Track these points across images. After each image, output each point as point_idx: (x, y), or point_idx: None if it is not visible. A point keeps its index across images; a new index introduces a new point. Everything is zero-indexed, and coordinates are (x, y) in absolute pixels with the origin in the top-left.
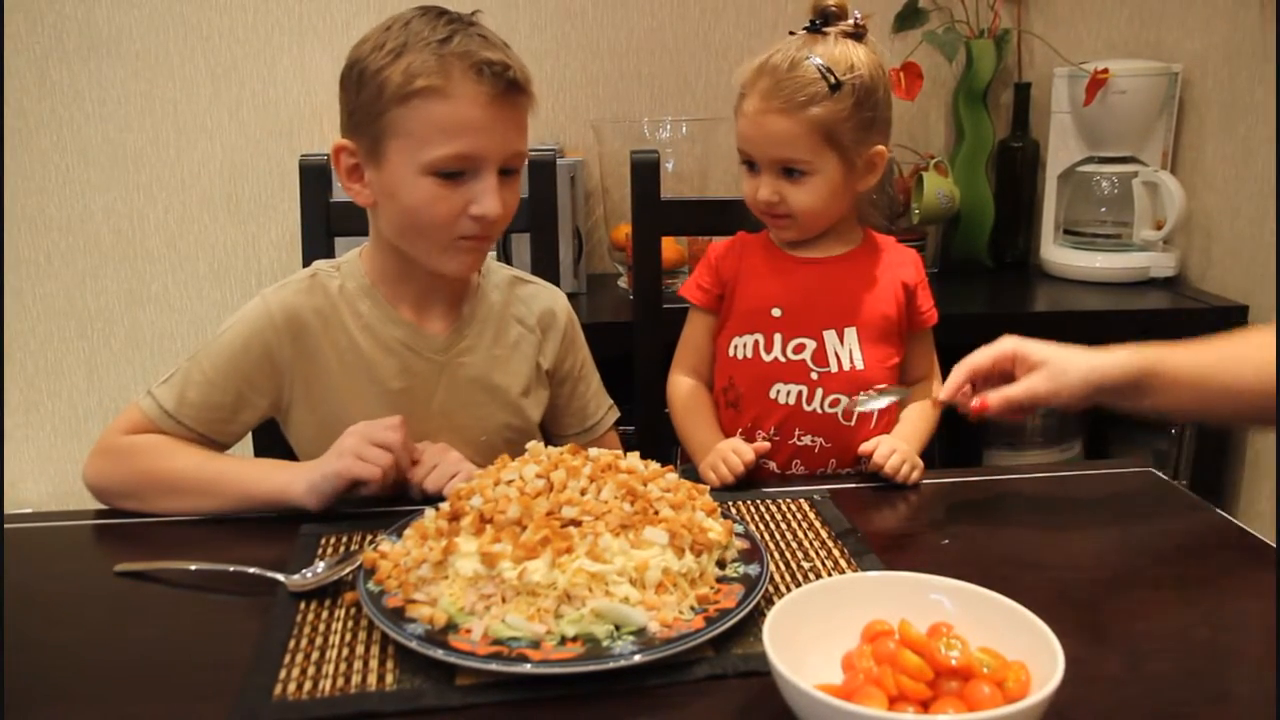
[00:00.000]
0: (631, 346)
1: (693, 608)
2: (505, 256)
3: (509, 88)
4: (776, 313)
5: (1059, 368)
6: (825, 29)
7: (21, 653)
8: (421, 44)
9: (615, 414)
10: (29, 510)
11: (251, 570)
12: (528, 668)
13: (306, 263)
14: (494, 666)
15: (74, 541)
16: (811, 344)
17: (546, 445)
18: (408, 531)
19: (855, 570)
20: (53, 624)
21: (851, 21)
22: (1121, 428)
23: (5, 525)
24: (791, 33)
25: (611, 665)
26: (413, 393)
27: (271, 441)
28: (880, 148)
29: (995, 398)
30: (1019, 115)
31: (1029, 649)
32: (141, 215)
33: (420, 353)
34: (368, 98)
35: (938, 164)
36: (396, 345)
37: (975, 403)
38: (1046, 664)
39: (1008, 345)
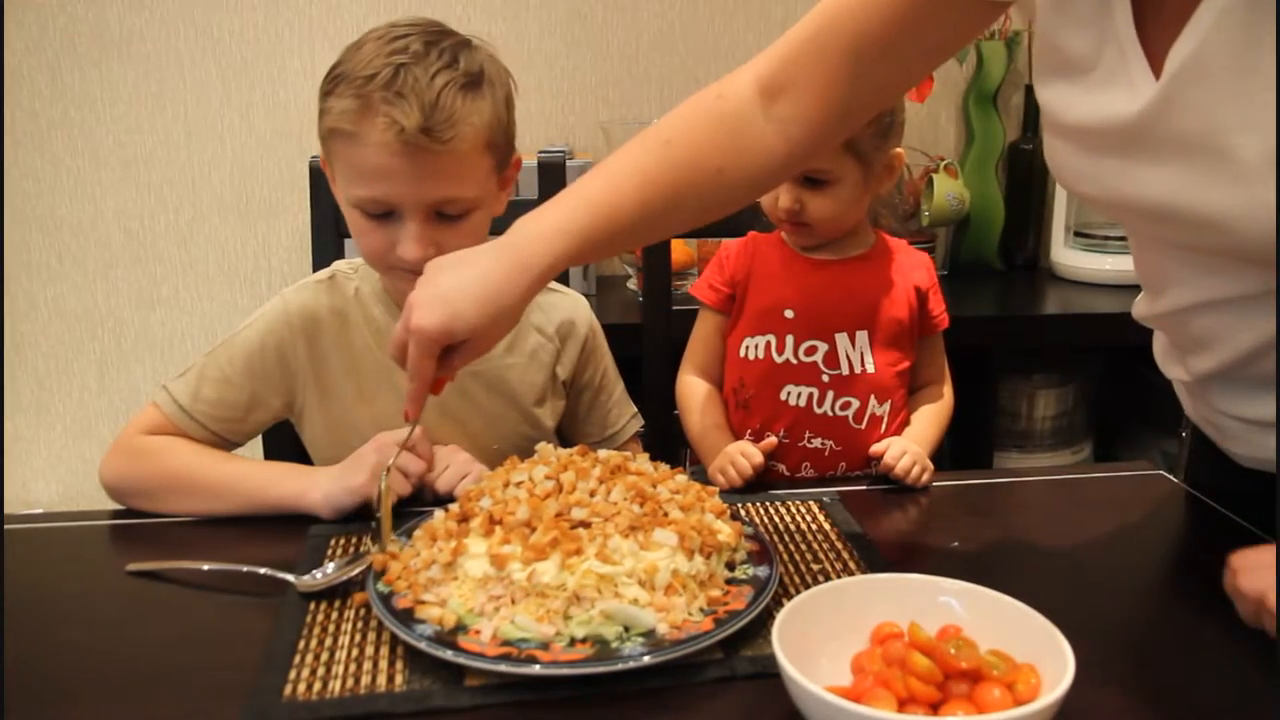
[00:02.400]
0: (640, 348)
1: (702, 609)
2: None
3: (419, 140)
4: (789, 314)
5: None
6: None
7: (33, 652)
8: (351, 77)
9: (638, 423)
10: (40, 510)
11: (262, 571)
12: (537, 669)
13: (317, 264)
14: (503, 668)
15: (86, 541)
16: (823, 346)
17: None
18: (417, 533)
19: (864, 572)
20: (64, 623)
21: None
22: (1130, 431)
23: (17, 526)
24: None
25: (620, 667)
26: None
27: (282, 442)
28: (897, 151)
29: None
30: (1029, 117)
31: (1039, 652)
32: (152, 217)
33: None
34: (320, 120)
35: (948, 166)
36: None
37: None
38: (1057, 667)
39: None
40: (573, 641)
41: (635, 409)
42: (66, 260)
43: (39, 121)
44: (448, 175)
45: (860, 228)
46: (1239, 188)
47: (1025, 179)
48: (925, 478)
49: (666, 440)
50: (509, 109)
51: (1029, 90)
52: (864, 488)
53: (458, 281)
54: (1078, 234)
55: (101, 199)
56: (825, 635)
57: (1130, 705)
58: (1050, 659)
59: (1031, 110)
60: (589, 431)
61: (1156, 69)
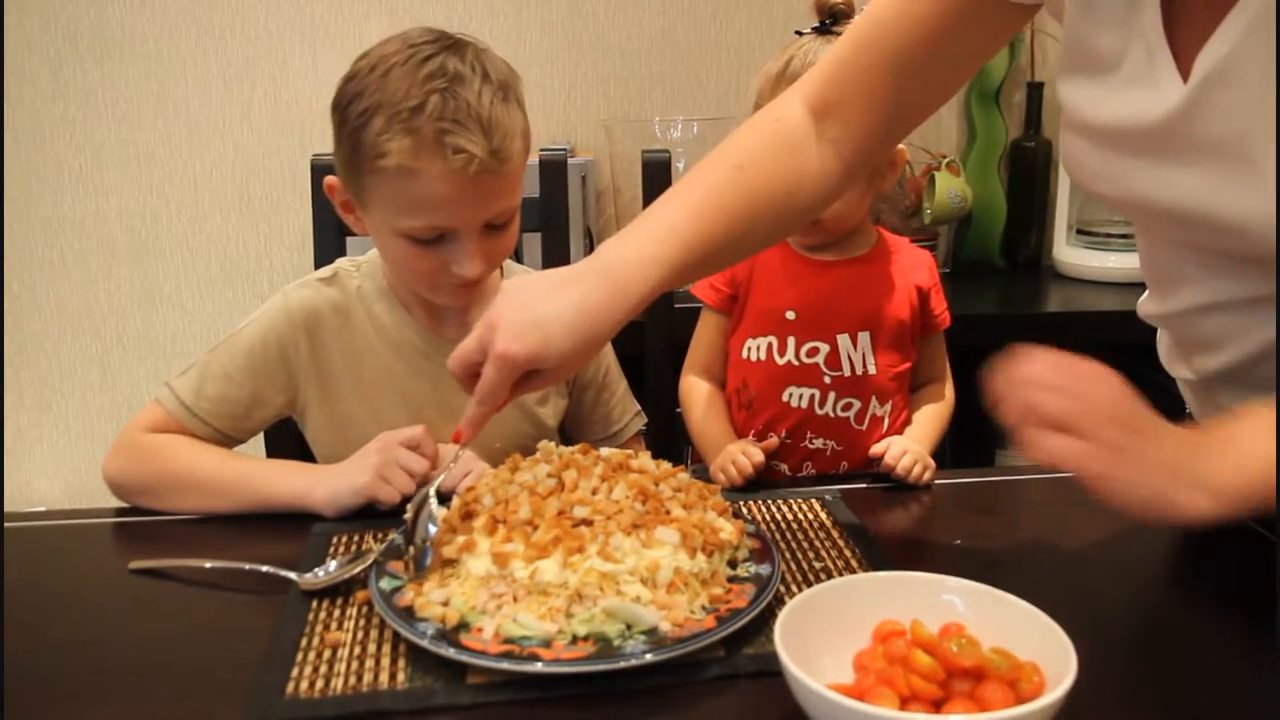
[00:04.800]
0: (643, 347)
1: (704, 607)
2: (516, 256)
3: (490, 165)
4: (791, 315)
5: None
6: (835, 29)
7: (34, 650)
8: (393, 110)
9: (641, 420)
10: (43, 509)
11: (264, 569)
12: (539, 667)
13: (319, 262)
14: (505, 665)
15: (88, 539)
16: (825, 348)
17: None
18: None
19: (867, 570)
20: (66, 621)
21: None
22: None
23: (20, 524)
24: (800, 33)
25: (623, 665)
26: (426, 397)
27: (285, 439)
28: (900, 146)
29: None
30: (1031, 115)
31: (1042, 650)
32: (154, 215)
33: (433, 358)
34: (347, 152)
35: (950, 164)
36: (409, 350)
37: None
38: (1060, 665)
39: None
40: (575, 639)
41: (638, 407)
42: (69, 259)
43: (40, 120)
44: (505, 191)
45: (862, 227)
46: (1262, 194)
47: (1027, 176)
48: (927, 476)
49: (669, 439)
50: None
51: (1031, 88)
52: (866, 486)
53: (552, 308)
54: (1080, 232)
55: (103, 198)
56: (827, 633)
57: (1133, 704)
58: (1053, 657)
59: (1033, 108)
60: (592, 430)
61: (1184, 71)
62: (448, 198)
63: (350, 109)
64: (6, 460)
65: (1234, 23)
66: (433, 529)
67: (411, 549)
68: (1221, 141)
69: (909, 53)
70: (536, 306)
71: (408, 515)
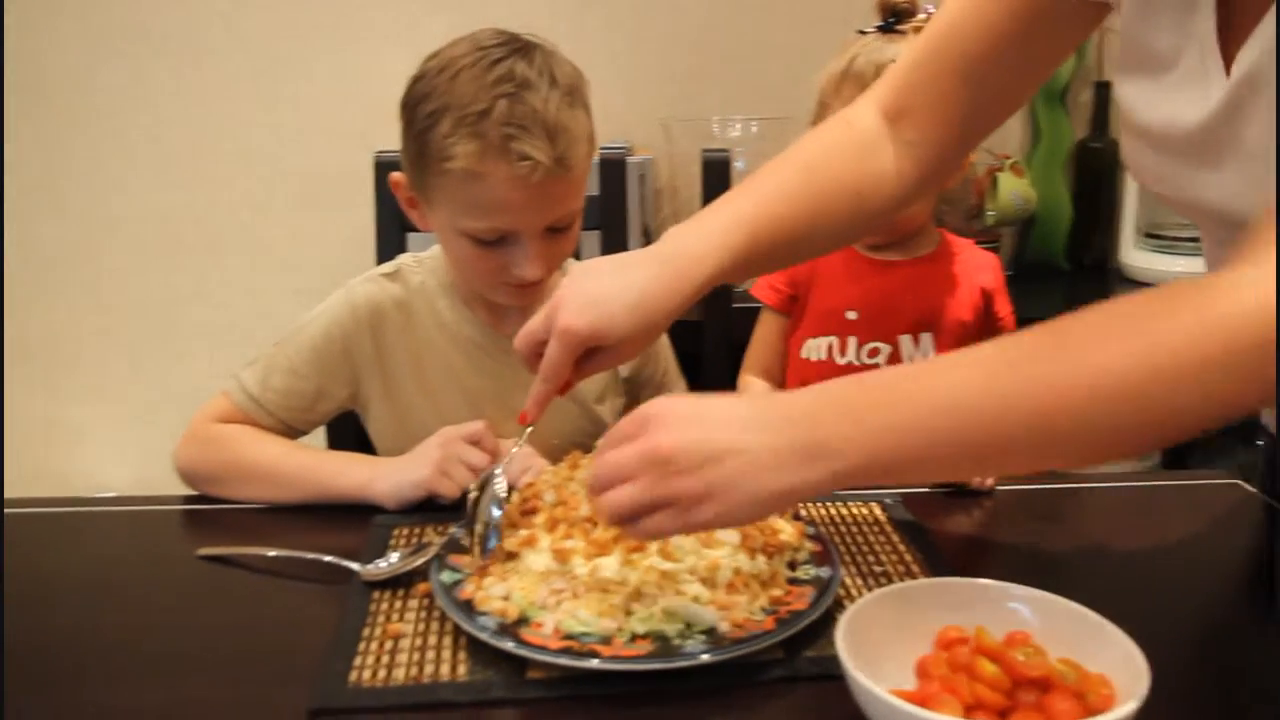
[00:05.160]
0: (700, 346)
1: (764, 609)
2: (574, 255)
3: (554, 170)
4: (852, 315)
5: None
6: (899, 27)
7: (102, 632)
8: (460, 113)
9: None
10: (113, 494)
11: (327, 558)
12: (597, 663)
13: (380, 258)
14: (564, 661)
15: (159, 525)
16: (887, 349)
17: None
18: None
19: (927, 575)
20: (135, 604)
21: (924, 17)
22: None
23: (90, 509)
24: (862, 31)
25: (681, 664)
26: (487, 393)
27: (345, 432)
28: None
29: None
30: (1099, 114)
31: (1111, 662)
32: (219, 206)
33: (494, 354)
34: (413, 152)
35: (1013, 165)
36: (471, 346)
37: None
38: (1130, 678)
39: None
40: (634, 637)
41: None
42: (135, 250)
43: (106, 109)
44: (568, 195)
45: (925, 227)
46: None
47: (1094, 178)
48: (990, 481)
49: None
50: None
51: (1099, 87)
52: (926, 489)
53: (614, 287)
54: (1148, 235)
55: (172, 188)
56: (889, 638)
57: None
58: (1123, 670)
59: (1101, 107)
60: None
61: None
62: (511, 202)
63: (418, 110)
64: (73, 447)
65: (1268, 24)
66: (496, 512)
67: (476, 530)
68: (1252, 143)
69: (979, 57)
70: (600, 286)
71: (471, 495)
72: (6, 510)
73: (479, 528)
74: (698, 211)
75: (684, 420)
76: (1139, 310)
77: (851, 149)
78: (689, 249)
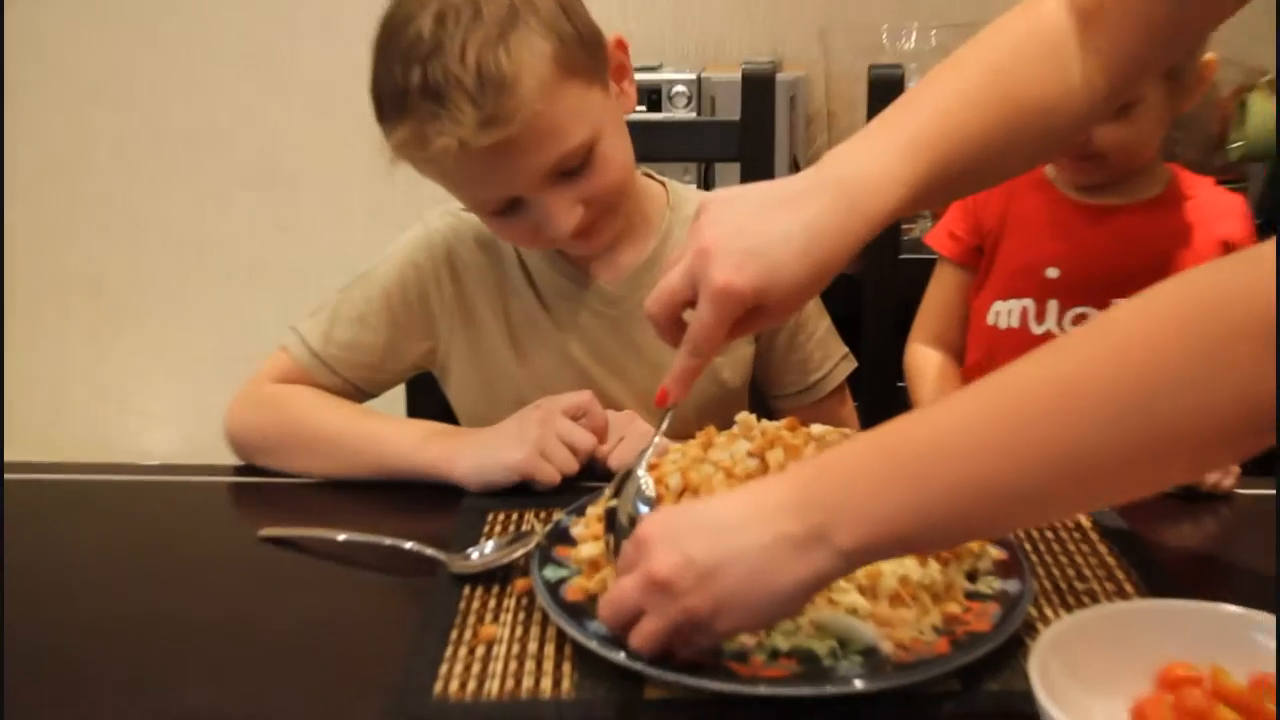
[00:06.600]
0: (859, 306)
1: (935, 628)
2: (708, 187)
3: (490, 135)
4: (1053, 273)
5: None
6: None
7: (152, 624)
8: (391, 98)
9: (849, 365)
10: (158, 463)
11: (408, 546)
12: (732, 685)
13: None
14: (690, 680)
15: (211, 500)
16: (1097, 315)
17: (755, 412)
18: (590, 510)
19: (1144, 595)
20: (180, 594)
21: None
22: None
23: (132, 477)
24: None
25: (832, 690)
26: (583, 351)
27: (429, 398)
28: (1208, 57)
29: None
30: None
31: None
32: (280, 129)
33: (589, 305)
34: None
35: (1269, 81)
36: (560, 296)
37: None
38: None
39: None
40: (776, 655)
41: (845, 349)
42: (177, 182)
43: (161, 20)
44: (541, 141)
45: (1151, 162)
46: None
47: None
48: (1227, 483)
49: (889, 418)
50: (567, 9)
51: None
52: None
53: (776, 230)
54: None
55: (220, 106)
56: (1096, 674)
57: None
58: None
59: None
60: (785, 380)
61: None
62: (471, 175)
63: (371, 86)
64: (112, 408)
65: None
66: (644, 509)
67: (613, 535)
68: None
69: None
70: (756, 229)
71: (607, 493)
72: (34, 476)
73: (614, 534)
74: (868, 124)
75: (672, 538)
76: None
77: (1042, 51)
78: (862, 174)
